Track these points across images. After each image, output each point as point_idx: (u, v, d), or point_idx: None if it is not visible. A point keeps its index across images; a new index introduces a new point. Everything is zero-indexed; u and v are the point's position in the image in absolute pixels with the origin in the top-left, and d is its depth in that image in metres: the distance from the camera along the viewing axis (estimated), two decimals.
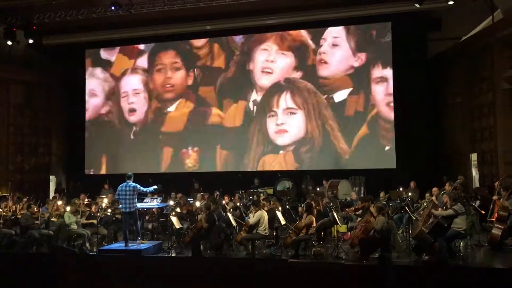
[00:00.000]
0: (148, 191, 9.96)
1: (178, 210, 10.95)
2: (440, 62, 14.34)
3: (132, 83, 15.84)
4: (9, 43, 13.55)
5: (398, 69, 13.76)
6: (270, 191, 13.46)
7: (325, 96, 14.34)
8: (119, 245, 9.94)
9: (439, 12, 13.23)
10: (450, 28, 13.73)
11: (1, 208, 11.19)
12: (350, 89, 14.18)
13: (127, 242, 9.68)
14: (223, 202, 11.61)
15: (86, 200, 12.20)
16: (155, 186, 10.10)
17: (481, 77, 12.61)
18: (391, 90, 13.86)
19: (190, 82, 15.39)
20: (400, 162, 13.57)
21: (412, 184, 12.07)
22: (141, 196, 10.66)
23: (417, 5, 11.74)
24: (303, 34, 14.53)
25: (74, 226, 10.22)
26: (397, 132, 13.69)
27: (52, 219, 10.59)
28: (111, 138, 15.89)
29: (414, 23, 13.85)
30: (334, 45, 14.32)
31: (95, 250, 9.97)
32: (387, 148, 13.86)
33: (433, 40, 14.30)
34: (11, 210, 11.47)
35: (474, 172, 13.14)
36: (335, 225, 9.62)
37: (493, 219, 9.34)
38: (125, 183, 9.72)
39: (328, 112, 14.30)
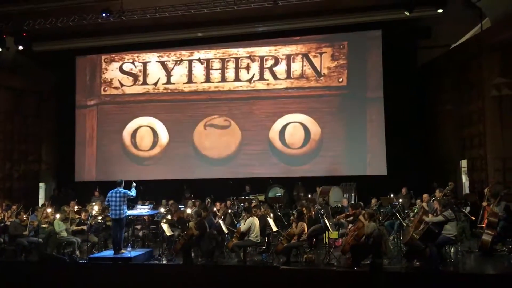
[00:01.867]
0: (134, 194, 9.92)
1: (169, 217, 10.90)
2: (430, 69, 14.48)
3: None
4: None
5: (389, 77, 13.85)
6: (262, 197, 13.43)
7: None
8: (109, 253, 9.86)
9: (428, 20, 13.37)
10: (440, 36, 13.87)
11: None
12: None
13: (117, 250, 9.59)
14: (214, 209, 11.58)
15: (76, 207, 12.11)
16: (133, 184, 10.04)
17: (471, 84, 12.73)
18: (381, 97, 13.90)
19: None
20: (391, 169, 13.61)
21: (403, 190, 12.13)
22: (132, 203, 10.60)
23: (406, 13, 11.84)
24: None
25: (64, 234, 10.15)
26: (388, 139, 13.75)
27: (42, 226, 10.49)
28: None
29: (405, 31, 13.97)
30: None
31: (85, 258, 9.89)
32: (378, 155, 13.89)
33: (423, 48, 14.44)
34: (0, 217, 11.36)
35: (464, 179, 13.23)
36: (327, 232, 9.64)
37: (483, 225, 9.41)
38: (115, 189, 9.67)
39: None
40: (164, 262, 9.68)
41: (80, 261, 9.78)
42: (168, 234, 9.98)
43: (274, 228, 9.99)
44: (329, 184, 13.25)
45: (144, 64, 14.94)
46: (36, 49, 15.03)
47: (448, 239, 8.46)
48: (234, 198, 12.64)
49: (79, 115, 15.98)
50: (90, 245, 10.39)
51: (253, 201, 11.74)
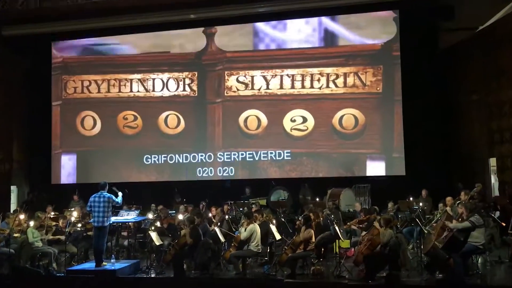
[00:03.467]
0: (120, 202, 9.92)
1: (158, 224, 10.91)
2: (453, 55, 14.47)
3: None
4: None
5: (406, 64, 13.83)
6: (263, 202, 13.47)
7: None
8: (90, 265, 9.86)
9: None
10: (464, 17, 13.82)
11: None
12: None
13: (99, 262, 9.60)
14: (210, 214, 11.60)
15: (53, 213, 12.10)
16: (120, 193, 10.05)
17: (500, 71, 12.72)
18: (398, 86, 13.92)
19: None
20: (409, 169, 13.61)
21: (423, 192, 12.15)
22: (116, 209, 10.61)
23: None
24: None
25: (39, 244, 10.13)
26: (407, 134, 13.74)
27: (14, 235, 10.48)
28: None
29: (424, 11, 13.95)
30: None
31: (63, 270, 9.89)
32: (394, 153, 13.91)
33: (445, 30, 14.41)
34: None
35: (493, 179, 13.24)
36: (337, 240, 9.64)
37: None
38: (98, 193, 9.67)
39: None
40: (152, 276, 9.67)
41: (57, 275, 9.78)
42: (157, 243, 9.97)
43: (278, 236, 10.00)
44: (339, 186, 13.26)
45: None
46: (6, 33, 15.01)
47: (475, 248, 8.45)
48: (232, 202, 12.66)
49: (56, 108, 15.97)
50: (69, 256, 10.40)
51: (253, 206, 11.79)
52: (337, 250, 9.70)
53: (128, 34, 15.59)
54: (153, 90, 15.46)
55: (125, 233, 11.48)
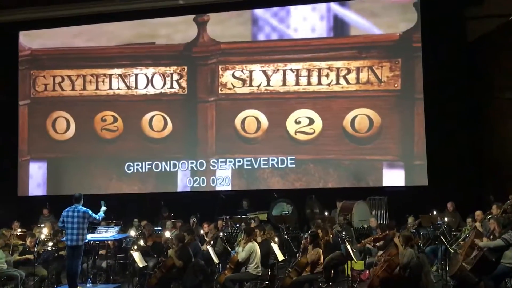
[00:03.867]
0: (99, 217, 9.91)
1: (141, 243, 10.90)
2: (482, 46, 14.47)
3: None
4: None
5: (428, 56, 13.85)
6: (264, 216, 13.50)
7: None
8: None
9: None
10: (495, 3, 13.87)
11: None
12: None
13: (73, 286, 9.57)
14: (201, 231, 11.61)
15: (20, 230, 12.09)
16: (103, 208, 10.05)
17: None
18: (419, 83, 13.95)
19: None
20: (433, 178, 13.63)
21: (449, 206, 12.16)
22: (93, 225, 10.60)
23: None
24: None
25: (3, 266, 10.12)
26: (429, 138, 13.76)
27: None
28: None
29: None
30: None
31: None
32: (415, 159, 13.92)
33: (473, 18, 14.44)
34: None
35: None
36: (349, 261, 9.64)
37: None
38: (73, 206, 9.65)
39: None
40: None
41: None
42: (141, 265, 9.97)
43: (280, 257, 9.99)
44: (352, 198, 13.26)
45: None
46: None
47: (509, 269, 8.45)
48: (228, 217, 12.67)
49: (24, 108, 16.01)
50: (38, 279, 10.38)
51: (252, 221, 11.79)
52: (349, 273, 9.70)
53: (107, 22, 15.63)
54: (136, 87, 15.48)
55: (103, 253, 11.47)
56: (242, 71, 14.89)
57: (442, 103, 13.81)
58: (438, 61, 13.85)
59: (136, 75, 15.47)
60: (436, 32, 13.91)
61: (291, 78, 14.53)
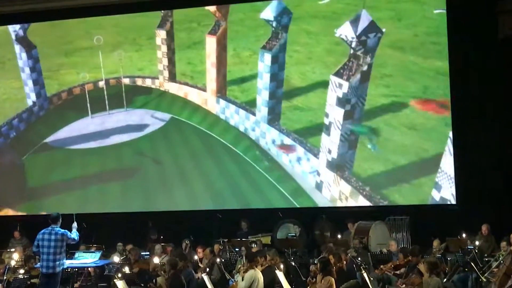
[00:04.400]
0: (76, 237, 9.88)
1: (126, 270, 10.92)
2: None
3: None
4: None
5: (454, 53, 13.87)
6: (267, 240, 13.54)
7: None
8: None
9: None
10: None
11: None
12: None
13: None
14: (195, 257, 11.65)
15: None
16: (74, 225, 9.99)
17: None
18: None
19: None
20: (461, 194, 13.62)
21: (484, 228, 12.11)
22: (70, 249, 10.62)
23: None
24: None
25: None
26: (457, 148, 13.75)
27: None
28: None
29: None
30: None
31: None
32: (440, 173, 13.93)
33: (505, 12, 14.49)
34: None
35: None
36: None
37: None
38: (49, 228, 9.67)
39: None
40: None
41: None
42: None
43: (286, 287, 10.02)
44: (368, 218, 13.28)
45: None
46: None
47: None
48: (225, 240, 12.68)
49: None
50: None
51: (253, 245, 11.81)
52: None
53: None
54: None
55: (81, 282, 11.50)
56: None
57: (472, 104, 13.74)
58: (466, 58, 13.83)
59: None
60: (463, 27, 13.90)
61: None
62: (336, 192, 14.23)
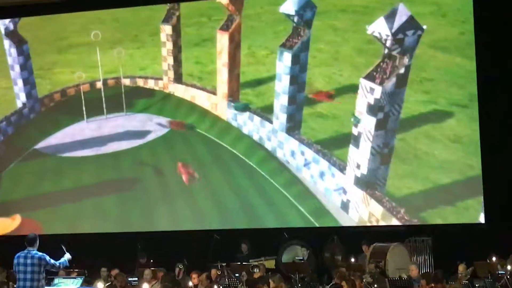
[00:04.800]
0: (61, 264, 9.85)
1: None
2: None
3: None
4: None
5: (482, 47, 13.83)
6: (271, 263, 13.53)
7: None
8: None
9: None
10: None
11: None
12: None
13: None
14: (190, 283, 11.63)
15: None
16: (68, 255, 9.99)
17: None
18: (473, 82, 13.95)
19: None
20: (491, 212, 13.59)
21: None
22: (51, 275, 10.56)
23: None
24: None
25: None
26: (485, 158, 13.71)
27: None
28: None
29: None
30: None
31: None
32: (468, 189, 13.87)
33: None
34: None
35: None
36: None
37: None
38: (25, 251, 9.62)
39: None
40: None
41: None
42: None
43: None
44: (385, 239, 13.23)
45: None
46: None
47: None
48: (224, 264, 12.64)
49: None
50: None
51: (255, 270, 11.85)
52: None
53: None
54: None
55: None
56: None
57: (501, 105, 13.75)
58: (495, 54, 13.78)
59: None
60: (492, 16, 13.85)
61: None
62: (365, 214, 14.09)
